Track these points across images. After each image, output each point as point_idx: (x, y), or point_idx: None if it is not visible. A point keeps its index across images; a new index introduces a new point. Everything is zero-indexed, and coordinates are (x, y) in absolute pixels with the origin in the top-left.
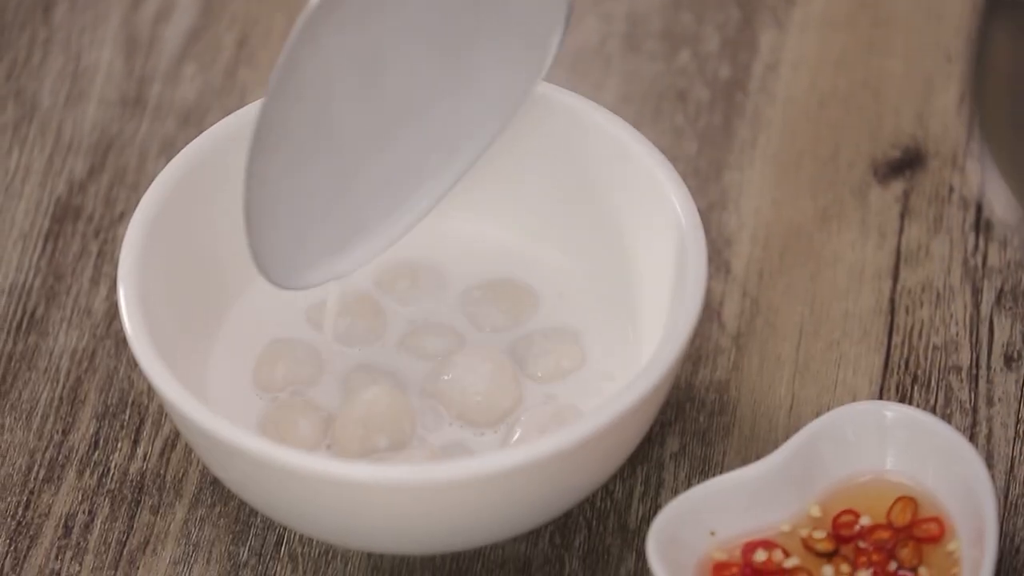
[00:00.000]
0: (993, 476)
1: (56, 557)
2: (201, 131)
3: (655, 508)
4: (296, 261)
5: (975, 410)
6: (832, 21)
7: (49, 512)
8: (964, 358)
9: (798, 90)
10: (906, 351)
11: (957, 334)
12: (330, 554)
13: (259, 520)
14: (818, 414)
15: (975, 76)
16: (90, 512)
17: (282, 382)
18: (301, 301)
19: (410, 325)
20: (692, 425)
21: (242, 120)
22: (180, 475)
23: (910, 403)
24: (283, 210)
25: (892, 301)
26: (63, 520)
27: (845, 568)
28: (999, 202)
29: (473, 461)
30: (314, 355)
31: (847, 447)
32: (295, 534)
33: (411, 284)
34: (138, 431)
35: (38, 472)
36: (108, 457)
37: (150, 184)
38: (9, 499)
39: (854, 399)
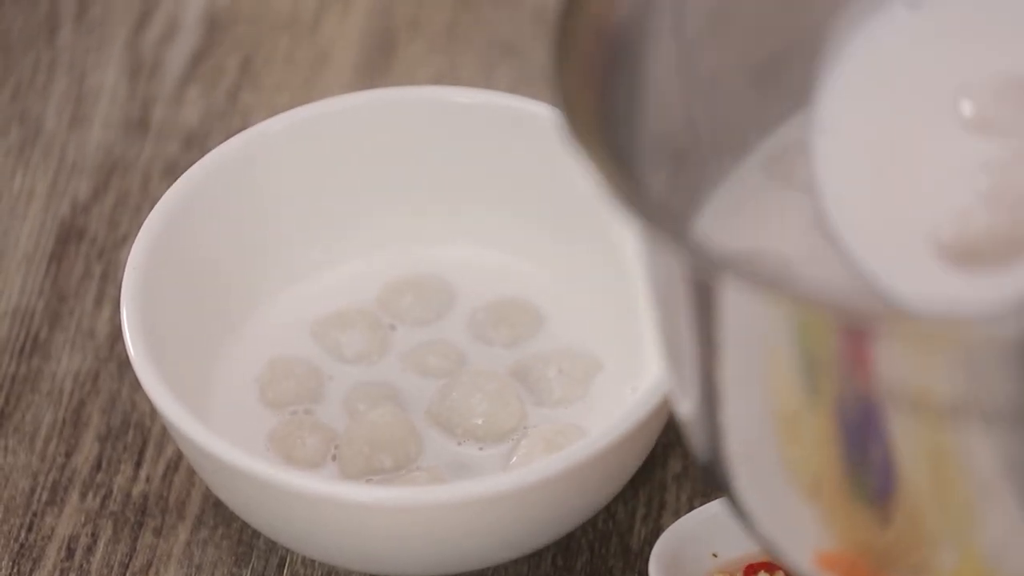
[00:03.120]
0: None
1: None
2: (204, 153)
3: (657, 530)
4: None
5: None
6: None
7: (52, 534)
8: None
9: None
10: None
11: None
12: None
13: (262, 542)
14: None
15: None
16: (93, 534)
17: (284, 400)
18: (306, 319)
19: (414, 343)
20: None
21: (244, 142)
22: (183, 497)
23: None
24: None
25: None
26: (66, 542)
27: None
28: None
29: (476, 483)
30: (316, 372)
31: None
32: (298, 556)
33: (415, 302)
34: (141, 453)
35: (41, 494)
36: (111, 479)
37: (153, 206)
38: (12, 521)
39: None
